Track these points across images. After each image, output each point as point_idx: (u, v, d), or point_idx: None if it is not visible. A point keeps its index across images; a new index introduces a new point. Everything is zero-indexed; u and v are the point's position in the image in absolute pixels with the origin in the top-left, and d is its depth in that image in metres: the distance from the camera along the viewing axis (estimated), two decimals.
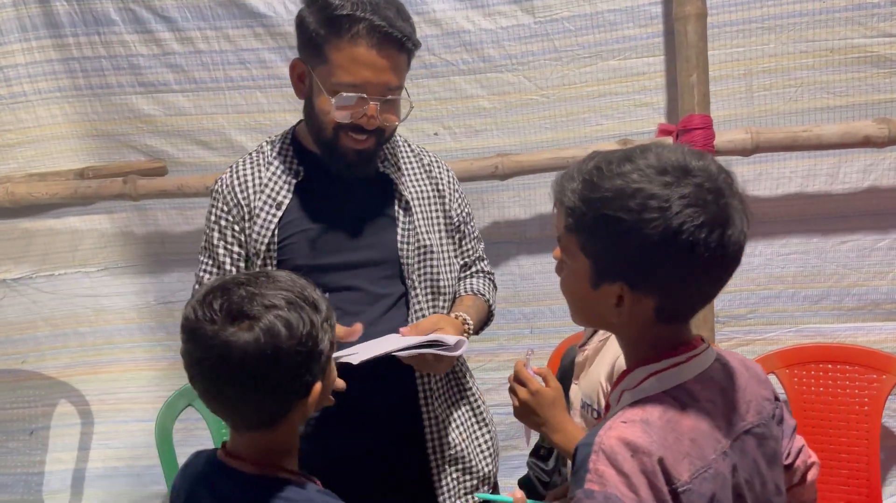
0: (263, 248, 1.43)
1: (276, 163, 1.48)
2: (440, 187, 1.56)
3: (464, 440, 1.54)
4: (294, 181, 1.47)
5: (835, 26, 2.18)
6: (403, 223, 1.48)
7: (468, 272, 1.65)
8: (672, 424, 0.92)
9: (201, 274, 1.49)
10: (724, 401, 0.99)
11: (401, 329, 1.37)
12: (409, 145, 1.59)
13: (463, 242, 1.60)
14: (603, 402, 1.31)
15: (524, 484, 1.72)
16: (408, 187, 1.51)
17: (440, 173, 1.59)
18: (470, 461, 1.53)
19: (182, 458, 1.27)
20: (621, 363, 1.31)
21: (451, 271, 1.54)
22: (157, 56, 2.38)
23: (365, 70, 1.33)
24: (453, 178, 1.61)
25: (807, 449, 1.18)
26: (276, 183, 1.47)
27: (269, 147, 1.52)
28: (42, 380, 2.63)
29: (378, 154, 1.48)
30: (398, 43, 1.34)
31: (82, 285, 2.59)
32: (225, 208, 1.47)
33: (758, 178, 2.29)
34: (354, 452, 1.48)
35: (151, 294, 2.59)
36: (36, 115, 2.44)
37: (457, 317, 1.46)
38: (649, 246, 0.88)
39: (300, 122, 1.54)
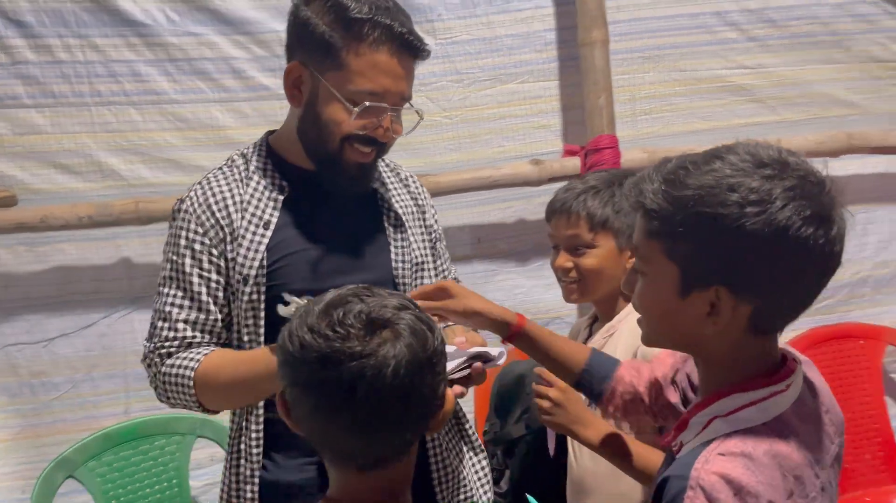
0: (253, 272, 1.27)
1: (255, 177, 1.32)
2: (419, 202, 1.50)
3: (465, 470, 1.46)
4: (280, 197, 1.32)
5: (702, 58, 2.42)
6: (395, 241, 1.40)
7: None
8: (778, 460, 0.85)
9: (168, 308, 1.27)
10: (816, 429, 0.93)
11: (456, 339, 1.26)
12: (384, 160, 1.50)
13: (437, 262, 1.54)
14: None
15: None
16: (397, 202, 1.43)
17: (417, 188, 1.52)
18: (471, 490, 1.46)
19: None
20: (643, 353, 1.30)
21: None
22: (3, 65, 2.05)
23: (385, 78, 1.24)
24: (426, 193, 1.55)
25: None
26: (259, 200, 1.31)
27: (241, 160, 1.35)
28: None
29: (375, 168, 1.38)
30: (417, 51, 1.26)
31: None
32: (200, 230, 1.28)
33: None
34: None
35: None
36: None
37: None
38: (753, 243, 0.82)
39: (270, 132, 1.39)
